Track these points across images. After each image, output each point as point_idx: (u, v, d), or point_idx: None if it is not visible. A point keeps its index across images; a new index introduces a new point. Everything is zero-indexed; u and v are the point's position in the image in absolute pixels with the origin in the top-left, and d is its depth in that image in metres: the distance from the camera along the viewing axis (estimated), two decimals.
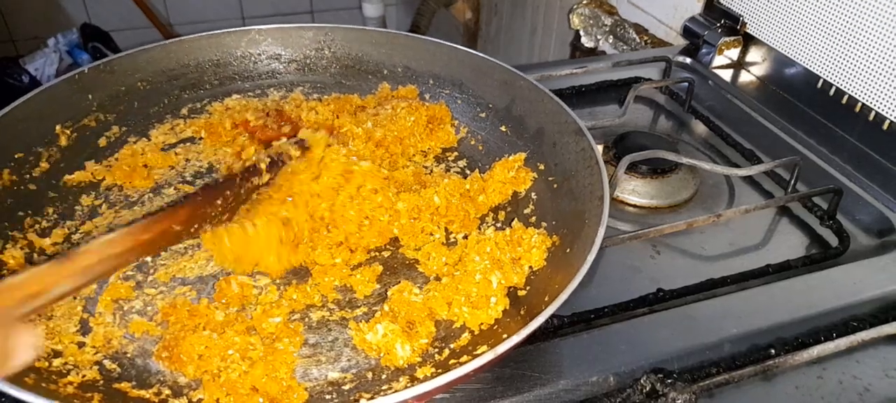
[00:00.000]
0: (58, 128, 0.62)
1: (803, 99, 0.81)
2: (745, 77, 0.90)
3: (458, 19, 1.97)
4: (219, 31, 0.75)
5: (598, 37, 1.16)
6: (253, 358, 0.45)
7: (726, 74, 0.90)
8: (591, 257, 0.46)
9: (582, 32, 1.19)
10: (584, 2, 1.17)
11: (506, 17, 1.69)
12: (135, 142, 0.67)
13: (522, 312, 0.49)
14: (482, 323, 0.49)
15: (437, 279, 0.54)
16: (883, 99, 0.71)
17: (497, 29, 1.77)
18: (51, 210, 0.58)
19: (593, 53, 1.18)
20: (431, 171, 0.66)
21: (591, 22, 1.16)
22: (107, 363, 0.46)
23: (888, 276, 0.57)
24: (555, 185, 0.61)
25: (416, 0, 1.97)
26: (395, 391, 0.38)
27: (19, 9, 2.06)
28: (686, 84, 0.84)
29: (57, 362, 0.45)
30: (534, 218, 0.60)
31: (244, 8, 2.29)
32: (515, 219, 0.59)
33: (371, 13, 2.28)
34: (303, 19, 2.37)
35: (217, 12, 2.26)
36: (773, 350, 0.50)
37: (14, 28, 2.09)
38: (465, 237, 0.57)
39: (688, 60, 0.92)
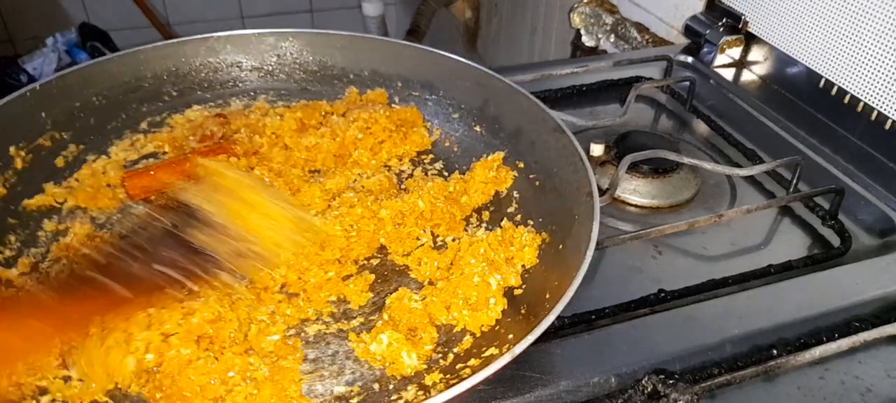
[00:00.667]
0: (12, 150, 0.59)
1: (805, 98, 0.81)
2: (746, 76, 0.89)
3: (457, 19, 1.97)
4: (176, 40, 0.73)
5: (599, 36, 1.16)
6: (258, 379, 0.44)
7: (728, 73, 0.90)
8: (589, 253, 0.45)
9: (583, 31, 1.19)
10: (585, 1, 1.17)
11: (506, 16, 1.69)
12: (94, 161, 0.64)
13: (523, 311, 0.49)
14: (483, 325, 0.49)
15: (432, 283, 0.53)
16: (885, 98, 0.70)
17: (497, 28, 1.76)
18: (13, 238, 0.55)
19: (594, 52, 1.18)
20: (412, 175, 0.66)
21: (592, 21, 1.16)
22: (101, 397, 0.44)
23: (890, 276, 0.57)
24: (537, 183, 0.61)
25: None
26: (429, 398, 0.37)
27: (18, 8, 2.05)
28: (687, 83, 0.84)
29: (44, 400, 0.44)
30: (518, 217, 0.60)
31: (243, 7, 2.29)
32: (504, 219, 0.59)
33: (370, 12, 2.28)
34: (302, 18, 2.36)
35: (216, 11, 2.26)
36: (775, 351, 0.50)
37: (13, 27, 2.08)
38: (455, 240, 0.57)
39: (689, 59, 0.92)
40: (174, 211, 0.48)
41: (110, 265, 0.42)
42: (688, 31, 0.95)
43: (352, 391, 0.46)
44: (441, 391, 0.38)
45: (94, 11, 2.12)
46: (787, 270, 0.59)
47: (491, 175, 0.62)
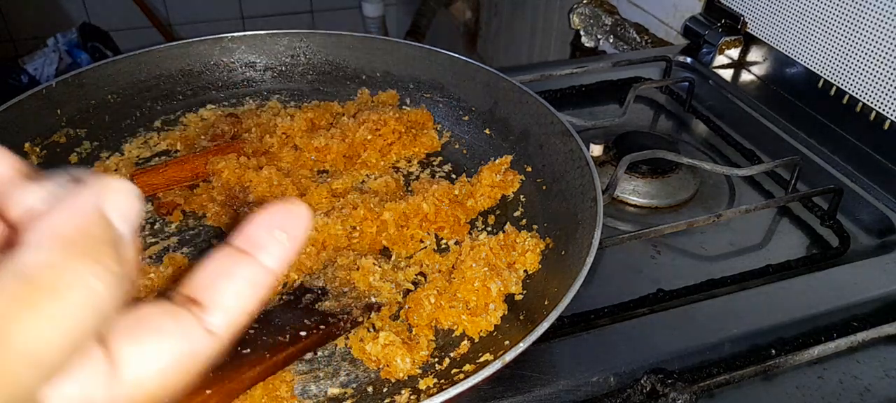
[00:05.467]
0: (27, 146, 0.61)
1: (804, 99, 0.81)
2: (745, 77, 0.90)
3: (457, 19, 1.97)
4: (190, 40, 0.73)
5: (599, 36, 1.16)
6: None
7: (727, 74, 0.90)
8: (589, 259, 0.45)
9: (582, 32, 1.19)
10: (585, 1, 1.17)
11: (506, 16, 1.69)
12: (107, 158, 0.65)
13: (521, 317, 0.49)
14: (481, 331, 0.49)
15: (423, 275, 0.54)
16: (883, 99, 0.71)
17: (497, 29, 1.77)
18: None
19: (593, 53, 1.18)
20: (418, 177, 0.66)
21: (592, 21, 1.16)
22: None
23: (889, 276, 0.57)
24: (544, 187, 0.61)
25: (416, 0, 1.97)
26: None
27: (18, 8, 2.05)
28: (686, 84, 0.84)
29: None
30: (524, 221, 0.60)
31: (243, 7, 2.29)
32: (507, 223, 0.59)
33: (370, 13, 2.27)
34: (302, 19, 2.36)
35: (217, 12, 2.26)
36: (773, 351, 0.50)
37: (13, 28, 2.09)
38: (458, 243, 0.57)
39: (688, 60, 0.92)
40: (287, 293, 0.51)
41: (247, 340, 0.44)
42: (687, 31, 0.95)
43: (346, 392, 0.46)
44: (432, 395, 0.38)
45: (95, 12, 2.12)
46: (785, 270, 0.59)
47: (498, 179, 0.62)
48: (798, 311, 0.53)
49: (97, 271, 0.18)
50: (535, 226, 0.58)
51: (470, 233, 0.59)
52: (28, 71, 1.87)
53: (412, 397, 0.44)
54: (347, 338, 0.48)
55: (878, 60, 0.70)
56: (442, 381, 0.45)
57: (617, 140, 0.73)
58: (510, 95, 0.67)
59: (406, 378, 0.46)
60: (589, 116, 0.81)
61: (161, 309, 0.20)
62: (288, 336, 0.45)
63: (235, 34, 0.75)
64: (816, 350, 0.50)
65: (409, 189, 0.63)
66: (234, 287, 0.21)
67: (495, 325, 0.49)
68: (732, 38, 0.89)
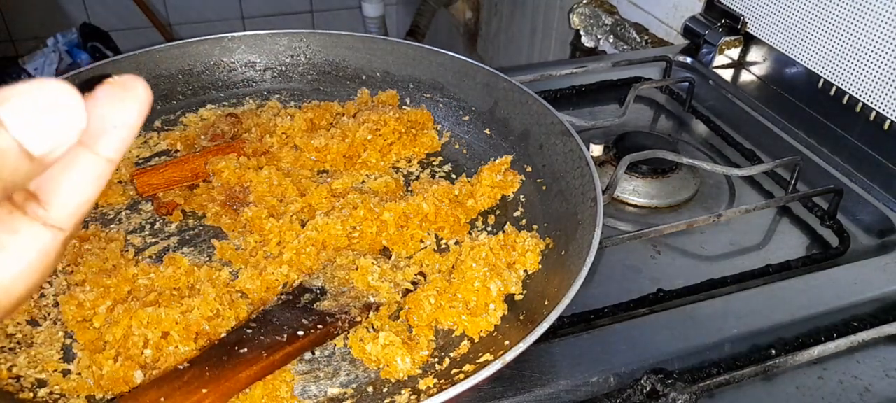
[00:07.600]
0: None
1: (804, 99, 0.81)
2: (745, 77, 0.90)
3: (457, 19, 1.97)
4: (190, 40, 0.73)
5: (599, 36, 1.16)
6: None
7: (727, 74, 0.90)
8: (589, 259, 0.45)
9: (582, 32, 1.19)
10: (585, 1, 1.17)
11: (506, 16, 1.69)
12: None
13: (521, 317, 0.49)
14: (481, 331, 0.49)
15: (423, 275, 0.54)
16: (883, 99, 0.71)
17: (497, 29, 1.77)
18: None
19: (593, 53, 1.18)
20: (418, 177, 0.66)
21: (592, 21, 1.16)
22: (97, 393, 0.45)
23: (889, 276, 0.57)
24: (544, 187, 0.61)
25: (416, 0, 1.97)
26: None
27: (19, 9, 2.05)
28: (686, 84, 0.84)
29: (42, 392, 0.44)
30: (524, 221, 0.60)
31: (243, 8, 2.29)
32: (508, 223, 0.59)
33: (371, 13, 2.27)
34: (303, 19, 2.37)
35: (217, 12, 2.26)
36: (773, 351, 0.50)
37: (13, 28, 2.09)
38: (458, 243, 0.57)
39: (688, 60, 0.92)
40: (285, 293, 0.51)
41: (245, 339, 0.44)
42: (687, 31, 0.95)
43: (346, 392, 0.46)
44: (432, 395, 0.38)
45: (95, 12, 2.12)
46: (785, 270, 0.59)
47: (498, 179, 0.62)
48: (798, 311, 0.53)
49: None
50: (535, 226, 0.58)
51: (470, 233, 0.59)
52: (28, 71, 1.87)
53: (412, 397, 0.44)
54: (347, 338, 0.48)
55: (878, 60, 0.70)
56: (442, 381, 0.45)
57: (617, 140, 0.73)
58: (510, 95, 0.67)
59: (406, 378, 0.46)
60: (589, 116, 0.81)
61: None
62: (285, 335, 0.45)
63: (235, 34, 0.75)
64: (816, 351, 0.50)
65: (409, 189, 0.63)
66: (72, 180, 0.21)
67: (495, 325, 0.49)
68: (732, 38, 0.89)
